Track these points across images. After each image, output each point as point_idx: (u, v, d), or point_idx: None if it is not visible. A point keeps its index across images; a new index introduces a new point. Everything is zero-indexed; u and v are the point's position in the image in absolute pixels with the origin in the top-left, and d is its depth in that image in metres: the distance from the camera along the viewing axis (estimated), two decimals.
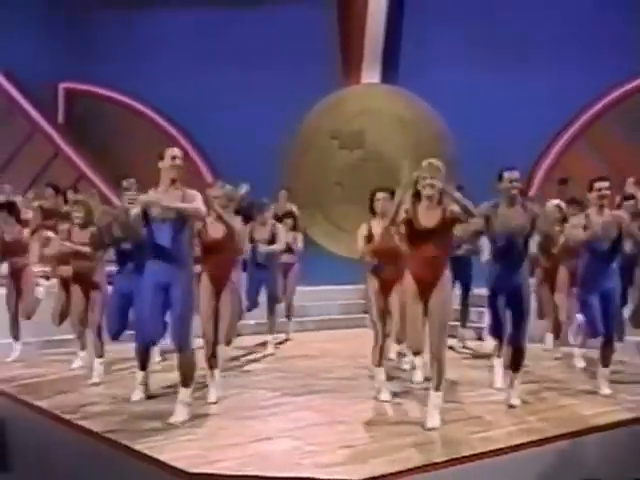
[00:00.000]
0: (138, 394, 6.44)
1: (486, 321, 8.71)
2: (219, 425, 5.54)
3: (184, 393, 5.69)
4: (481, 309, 9.11)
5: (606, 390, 6.61)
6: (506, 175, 6.12)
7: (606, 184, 6.66)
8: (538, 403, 6.31)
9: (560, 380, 7.30)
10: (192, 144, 16.10)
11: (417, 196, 5.66)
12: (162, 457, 4.67)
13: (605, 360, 6.71)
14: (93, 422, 5.63)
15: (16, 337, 8.58)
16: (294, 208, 12.58)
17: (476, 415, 5.86)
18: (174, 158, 5.68)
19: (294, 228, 10.56)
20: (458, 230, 5.88)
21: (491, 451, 4.84)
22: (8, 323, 8.55)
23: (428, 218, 5.55)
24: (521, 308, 6.16)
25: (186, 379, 5.71)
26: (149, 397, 6.47)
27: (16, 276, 8.50)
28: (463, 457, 4.70)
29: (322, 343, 10.18)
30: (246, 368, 8.02)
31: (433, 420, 5.46)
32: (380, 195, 6.59)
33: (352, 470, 4.40)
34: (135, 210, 5.63)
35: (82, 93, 16.37)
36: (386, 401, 6.32)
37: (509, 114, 14.48)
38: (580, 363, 7.86)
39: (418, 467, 4.43)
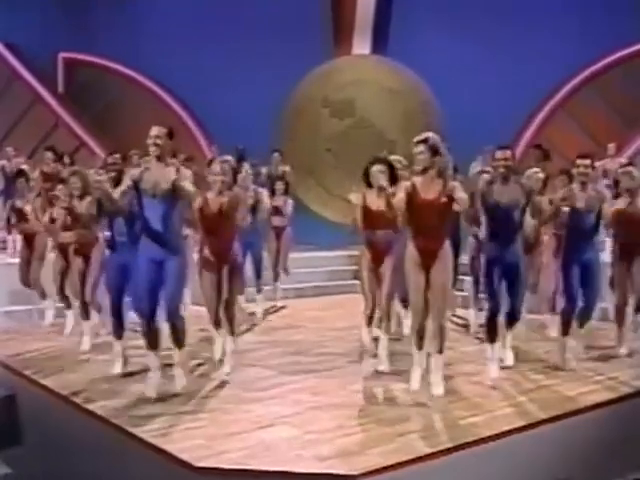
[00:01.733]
0: (152, 390, 6.34)
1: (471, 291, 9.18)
2: (221, 409, 5.80)
3: (179, 355, 6.09)
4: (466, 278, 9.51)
5: (572, 364, 6.96)
6: (498, 154, 6.48)
7: (587, 162, 7.00)
8: (524, 381, 6.59)
9: (540, 353, 7.65)
10: (188, 112, 16.28)
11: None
12: (168, 447, 4.91)
13: (581, 321, 7.09)
14: (98, 404, 5.91)
15: (43, 297, 8.96)
16: (287, 168, 12.87)
17: (463, 396, 6.15)
18: (152, 137, 5.87)
19: (285, 192, 10.77)
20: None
21: (481, 439, 5.14)
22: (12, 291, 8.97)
23: (428, 191, 5.87)
24: (517, 281, 6.51)
25: (179, 342, 6.09)
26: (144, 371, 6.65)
27: (28, 242, 8.79)
28: (451, 448, 4.98)
29: (312, 312, 10.49)
30: (241, 342, 8.05)
31: (438, 387, 5.97)
32: (375, 168, 6.67)
33: (350, 463, 4.68)
34: (122, 187, 5.86)
35: (81, 63, 16.51)
36: (375, 371, 6.72)
37: (494, 83, 14.78)
38: (554, 332, 8.05)
39: (412, 459, 4.74)
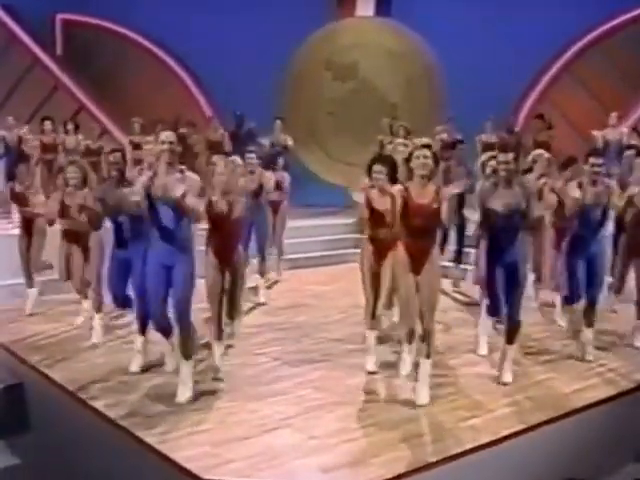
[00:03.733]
0: (136, 364, 6.73)
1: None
2: (227, 409, 5.89)
3: (186, 366, 6.06)
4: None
5: (590, 357, 7.05)
6: (500, 158, 6.44)
7: (599, 161, 7.02)
8: (522, 377, 6.64)
9: (541, 342, 7.70)
10: (188, 73, 16.16)
11: (410, 171, 5.96)
12: (174, 455, 5.01)
13: (588, 321, 7.14)
14: (106, 402, 6.00)
15: (30, 286, 8.94)
16: (289, 140, 12.90)
17: (464, 393, 6.26)
18: (164, 143, 5.84)
19: (284, 168, 10.76)
20: None
21: (480, 446, 5.26)
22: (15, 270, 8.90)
23: (421, 195, 5.85)
24: (517, 283, 6.44)
25: (187, 354, 6.07)
26: (152, 366, 6.83)
27: (27, 226, 8.82)
28: (454, 455, 5.11)
29: (314, 287, 10.56)
30: (244, 325, 8.10)
31: (422, 397, 5.92)
32: (377, 167, 6.62)
33: (353, 475, 4.82)
34: (136, 197, 5.82)
35: (80, 24, 16.26)
36: (374, 372, 6.72)
37: (498, 46, 14.64)
38: (562, 322, 8.17)
39: (411, 471, 4.86)
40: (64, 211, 7.75)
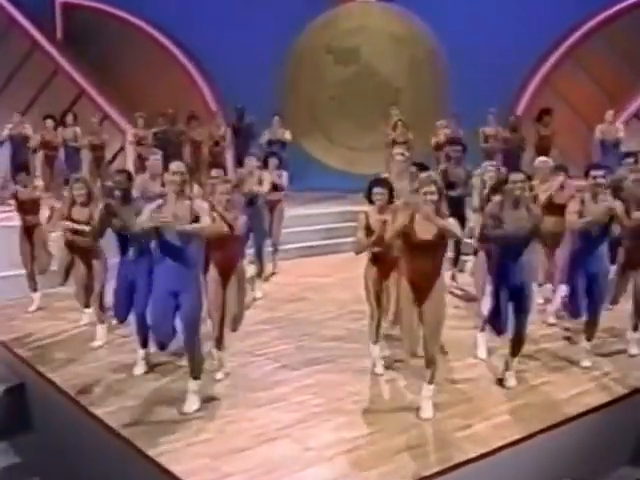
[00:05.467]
0: (140, 368, 6.92)
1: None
2: (226, 417, 5.97)
3: (195, 385, 6.13)
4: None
5: (587, 362, 7.06)
6: (511, 177, 6.44)
7: (601, 172, 6.97)
8: (519, 381, 6.67)
9: (536, 343, 7.65)
10: (189, 57, 16.09)
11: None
12: (174, 469, 5.09)
13: (588, 335, 7.15)
14: (107, 410, 6.08)
15: (34, 289, 9.04)
16: (287, 134, 12.95)
17: (462, 399, 6.32)
18: (175, 174, 5.89)
19: (280, 166, 10.71)
20: None
21: (477, 457, 5.33)
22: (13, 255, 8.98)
23: (425, 230, 5.77)
24: (524, 305, 6.46)
25: (196, 375, 6.13)
26: (155, 366, 6.99)
27: (29, 233, 8.90)
28: (451, 467, 5.18)
29: (313, 279, 10.62)
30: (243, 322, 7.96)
31: (426, 412, 5.95)
32: (377, 190, 6.68)
33: None
34: (146, 224, 5.81)
35: (80, 8, 16.11)
36: (380, 374, 6.81)
37: (501, 31, 14.54)
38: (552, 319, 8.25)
39: None
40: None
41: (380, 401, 6.37)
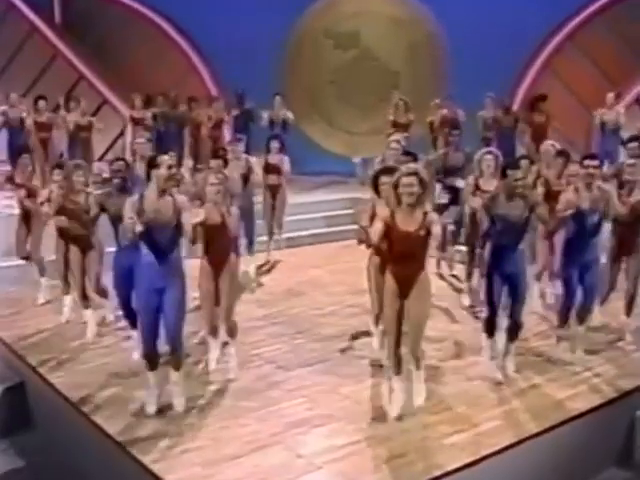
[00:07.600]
0: (152, 407, 6.30)
1: None
2: (219, 423, 6.05)
3: (177, 377, 6.21)
4: None
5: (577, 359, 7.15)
6: (509, 173, 6.54)
7: (595, 162, 7.03)
8: (508, 386, 6.70)
9: (527, 341, 7.66)
10: (188, 42, 16.05)
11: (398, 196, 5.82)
12: (168, 477, 5.21)
13: (581, 319, 7.24)
14: (103, 414, 6.19)
15: (42, 274, 9.07)
16: (289, 114, 12.90)
17: (452, 404, 6.35)
18: (170, 167, 5.94)
19: (281, 150, 10.71)
20: None
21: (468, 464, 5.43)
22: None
23: (408, 222, 5.76)
24: (518, 292, 6.60)
25: (177, 367, 6.22)
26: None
27: (26, 218, 8.94)
28: (437, 476, 5.26)
29: (311, 270, 10.65)
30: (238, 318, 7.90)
31: (419, 397, 6.13)
32: (384, 179, 6.57)
33: None
34: (127, 221, 5.78)
35: None
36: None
37: (501, 14, 14.48)
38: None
39: None
40: (64, 212, 7.80)
41: (373, 406, 6.39)
